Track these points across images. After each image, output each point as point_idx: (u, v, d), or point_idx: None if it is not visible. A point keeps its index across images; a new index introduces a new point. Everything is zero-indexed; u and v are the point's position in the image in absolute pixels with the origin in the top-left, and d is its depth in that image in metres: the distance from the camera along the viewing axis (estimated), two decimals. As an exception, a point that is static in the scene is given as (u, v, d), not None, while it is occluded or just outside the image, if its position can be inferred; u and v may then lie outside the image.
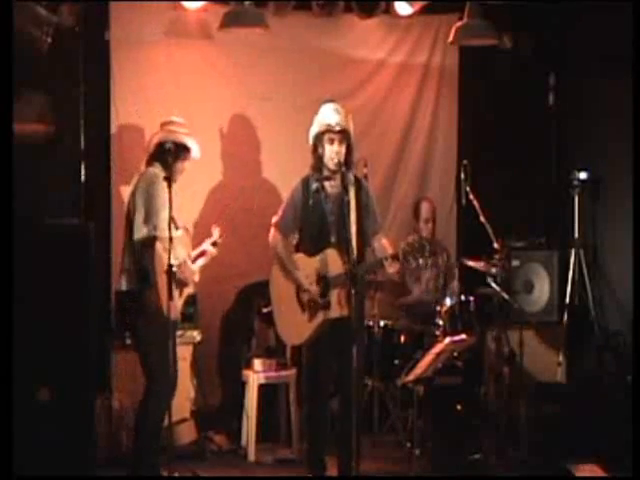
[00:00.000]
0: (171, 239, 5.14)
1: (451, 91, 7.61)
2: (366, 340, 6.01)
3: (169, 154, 5.39)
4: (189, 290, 5.62)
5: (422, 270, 7.06)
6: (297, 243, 5.57)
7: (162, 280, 5.22)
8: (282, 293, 5.49)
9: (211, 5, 6.68)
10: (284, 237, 5.53)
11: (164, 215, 5.25)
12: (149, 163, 5.52)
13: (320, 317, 5.34)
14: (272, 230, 5.54)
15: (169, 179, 5.22)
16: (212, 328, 6.87)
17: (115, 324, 6.35)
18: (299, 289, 5.41)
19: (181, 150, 5.48)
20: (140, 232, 5.33)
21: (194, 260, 5.63)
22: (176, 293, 5.32)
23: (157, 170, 5.45)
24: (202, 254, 5.70)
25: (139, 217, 5.35)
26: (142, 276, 5.34)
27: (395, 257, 5.24)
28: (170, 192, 5.23)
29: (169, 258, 5.13)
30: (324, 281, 5.34)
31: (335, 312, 5.30)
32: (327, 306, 5.32)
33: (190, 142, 5.54)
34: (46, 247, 5.26)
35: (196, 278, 5.64)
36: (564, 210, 7.18)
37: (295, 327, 5.45)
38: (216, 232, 5.85)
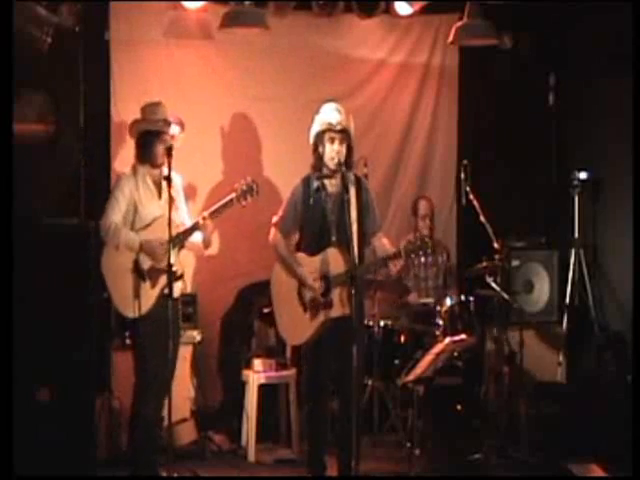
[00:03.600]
0: (170, 240, 5.15)
1: (451, 91, 7.61)
2: (366, 340, 6.01)
3: (146, 143, 5.46)
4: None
5: (422, 268, 7.06)
6: (298, 242, 5.57)
7: (114, 288, 5.34)
8: (283, 292, 5.48)
9: (211, 5, 6.68)
10: (284, 237, 5.52)
11: (113, 218, 5.36)
12: (135, 156, 5.56)
13: (322, 316, 5.33)
14: (272, 230, 5.54)
15: (169, 178, 5.23)
16: (212, 328, 6.86)
17: (115, 324, 6.34)
18: (302, 287, 5.40)
19: (158, 134, 5.46)
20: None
21: (186, 233, 5.47)
22: (147, 285, 5.36)
23: (131, 169, 5.50)
24: (195, 227, 5.48)
25: None
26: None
27: (398, 255, 5.24)
28: (170, 190, 5.25)
29: (169, 258, 5.14)
30: (326, 280, 5.34)
31: (337, 311, 5.30)
32: (329, 305, 5.32)
33: (161, 126, 5.48)
34: (46, 247, 5.26)
35: (203, 253, 5.68)
36: (564, 210, 7.18)
37: (296, 327, 5.44)
38: (246, 182, 5.54)
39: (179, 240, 5.40)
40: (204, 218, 5.44)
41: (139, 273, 5.36)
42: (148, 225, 5.43)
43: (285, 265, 5.47)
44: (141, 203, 5.44)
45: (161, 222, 5.34)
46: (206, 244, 5.60)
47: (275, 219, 5.54)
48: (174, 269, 5.23)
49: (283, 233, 5.51)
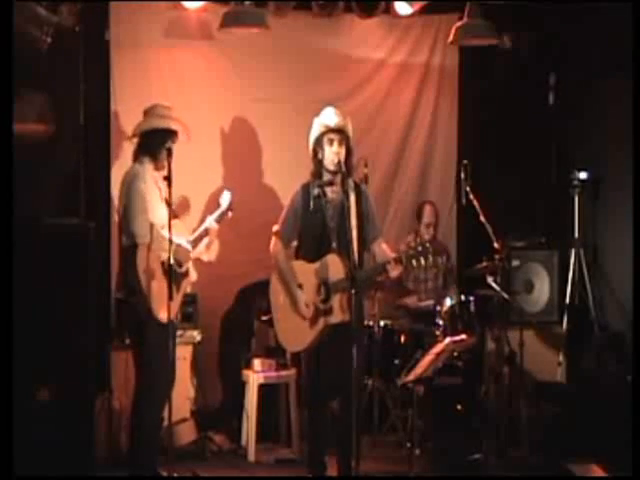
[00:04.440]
0: (171, 241, 5.14)
1: (451, 91, 7.61)
2: (366, 340, 6.01)
3: (155, 142, 5.43)
4: (187, 286, 5.63)
5: (422, 270, 7.06)
6: (297, 248, 5.55)
7: (149, 287, 5.24)
8: (282, 300, 5.48)
9: (211, 5, 6.68)
10: (285, 246, 5.51)
11: (141, 220, 5.26)
12: (136, 156, 5.51)
13: (321, 323, 5.33)
14: (273, 239, 5.52)
15: (169, 179, 5.23)
16: (212, 328, 6.87)
17: (115, 324, 6.34)
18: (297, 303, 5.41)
19: (167, 135, 5.46)
20: (123, 240, 5.38)
21: (195, 242, 5.56)
22: (173, 289, 5.30)
23: (140, 167, 5.43)
24: (205, 233, 5.61)
25: (123, 224, 5.37)
26: (127, 284, 5.36)
27: (398, 260, 5.23)
28: (170, 190, 5.24)
29: (169, 258, 5.14)
30: (325, 287, 5.34)
31: (337, 318, 5.29)
32: (329, 312, 5.32)
33: (174, 125, 5.49)
34: (46, 247, 5.26)
35: (206, 258, 5.67)
36: (564, 210, 7.18)
37: (296, 334, 5.43)
38: (226, 198, 5.76)
39: (195, 243, 5.52)
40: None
41: (169, 277, 5.33)
42: (162, 228, 5.40)
43: (282, 277, 5.46)
44: (151, 204, 5.41)
45: (174, 225, 5.32)
46: (208, 247, 5.65)
47: (276, 228, 5.53)
48: (191, 272, 5.41)
49: (284, 242, 5.51)
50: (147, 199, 5.34)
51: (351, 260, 5.07)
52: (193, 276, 5.59)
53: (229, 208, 5.75)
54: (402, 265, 5.24)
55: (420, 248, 5.18)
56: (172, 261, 5.15)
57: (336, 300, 5.29)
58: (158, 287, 5.27)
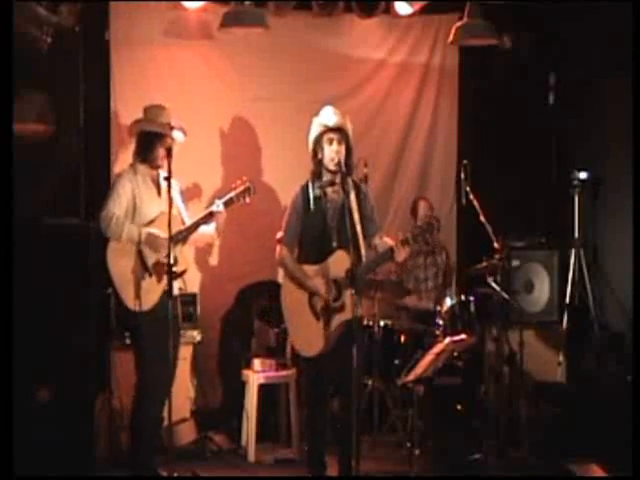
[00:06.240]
0: (171, 238, 5.15)
1: (451, 91, 7.61)
2: (366, 340, 6.00)
3: (148, 144, 5.50)
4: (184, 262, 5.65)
5: (422, 270, 7.07)
6: (298, 252, 5.50)
7: (119, 282, 5.35)
8: (295, 306, 5.39)
9: (211, 5, 6.68)
10: (291, 251, 5.46)
11: (114, 211, 5.37)
12: (133, 156, 5.60)
13: (335, 322, 5.30)
14: (278, 247, 5.47)
15: (169, 179, 5.23)
16: (212, 328, 6.87)
17: (115, 324, 6.34)
18: (312, 297, 5.35)
19: (157, 136, 5.51)
20: None
21: (195, 226, 5.57)
22: (152, 280, 5.37)
23: (131, 167, 5.54)
24: (209, 216, 5.59)
25: None
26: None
27: (405, 242, 5.19)
28: (170, 190, 5.25)
29: (169, 257, 5.15)
30: (336, 285, 5.31)
31: (349, 314, 5.24)
32: (341, 309, 5.30)
33: (166, 129, 5.53)
34: (46, 247, 5.26)
35: (215, 241, 5.76)
36: (564, 210, 7.18)
37: (312, 338, 5.36)
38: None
39: (186, 233, 5.50)
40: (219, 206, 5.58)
41: (144, 268, 5.37)
42: (152, 221, 5.46)
43: (295, 279, 5.40)
44: (142, 201, 5.48)
45: (165, 218, 5.34)
46: (219, 232, 5.67)
47: (280, 235, 5.49)
48: (179, 265, 5.34)
49: (290, 247, 5.45)
50: (129, 196, 5.44)
51: (352, 257, 5.06)
52: (183, 267, 5.57)
53: (243, 193, 5.66)
54: (409, 246, 5.19)
55: (425, 225, 5.16)
56: (172, 260, 5.15)
57: (347, 296, 5.27)
58: (131, 279, 5.34)
